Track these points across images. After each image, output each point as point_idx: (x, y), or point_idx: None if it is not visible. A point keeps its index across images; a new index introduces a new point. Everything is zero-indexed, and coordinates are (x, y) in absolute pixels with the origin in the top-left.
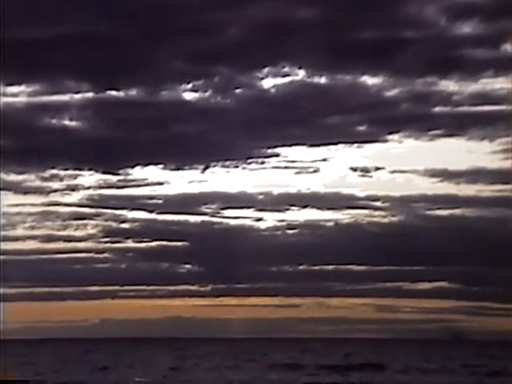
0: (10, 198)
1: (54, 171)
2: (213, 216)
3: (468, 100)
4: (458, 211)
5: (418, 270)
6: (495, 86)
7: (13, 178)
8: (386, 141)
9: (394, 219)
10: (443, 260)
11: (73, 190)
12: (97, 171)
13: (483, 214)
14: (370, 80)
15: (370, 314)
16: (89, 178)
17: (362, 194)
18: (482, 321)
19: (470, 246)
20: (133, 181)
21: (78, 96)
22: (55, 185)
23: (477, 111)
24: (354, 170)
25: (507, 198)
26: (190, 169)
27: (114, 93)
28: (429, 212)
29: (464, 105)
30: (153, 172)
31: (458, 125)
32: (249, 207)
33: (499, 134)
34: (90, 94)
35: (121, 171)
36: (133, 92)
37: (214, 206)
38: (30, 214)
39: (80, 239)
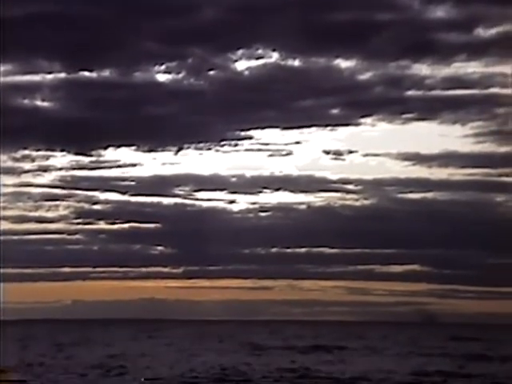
0: None
1: (26, 152)
2: (186, 198)
3: (441, 84)
4: (429, 194)
5: (390, 253)
6: (468, 70)
7: None
8: (359, 124)
9: (367, 202)
10: (415, 243)
11: (45, 170)
12: (69, 152)
13: (455, 197)
14: (343, 63)
15: (342, 296)
16: (61, 159)
17: (334, 177)
18: (453, 303)
19: (442, 229)
20: (105, 162)
21: (50, 76)
22: (27, 165)
23: (449, 95)
24: (327, 153)
25: (478, 181)
26: (163, 151)
27: (86, 73)
28: (401, 195)
29: (437, 88)
30: (125, 154)
31: (430, 108)
32: (222, 189)
33: (471, 118)
34: (62, 75)
35: (93, 152)
36: (105, 73)
37: (186, 188)
38: (2, 195)
39: (52, 220)
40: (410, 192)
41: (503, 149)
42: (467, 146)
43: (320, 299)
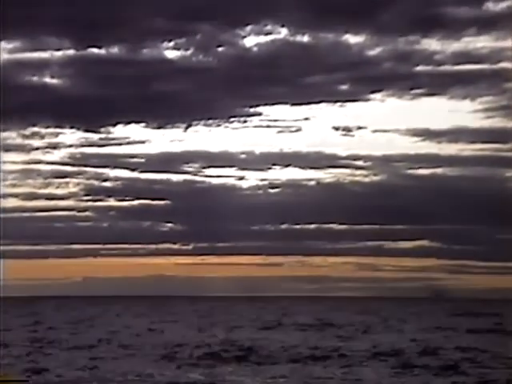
0: None
1: (35, 129)
2: (195, 175)
3: (450, 59)
4: (439, 170)
5: (399, 229)
6: (478, 44)
7: None
8: (368, 100)
9: (376, 178)
10: (424, 219)
11: (54, 147)
12: (78, 129)
13: (464, 173)
14: (352, 38)
15: (352, 272)
16: (70, 136)
17: (344, 154)
18: (463, 279)
19: (451, 204)
20: (114, 139)
21: (58, 53)
22: (36, 143)
23: (459, 70)
24: (336, 129)
25: (488, 156)
26: (172, 128)
27: (95, 50)
28: (410, 171)
29: (446, 64)
30: (135, 130)
31: (439, 84)
32: (231, 166)
33: (481, 93)
34: (71, 52)
35: (102, 129)
36: (114, 49)
37: (196, 165)
38: (11, 172)
39: (62, 197)
40: (420, 168)
41: None
42: (477, 121)
43: (329, 275)
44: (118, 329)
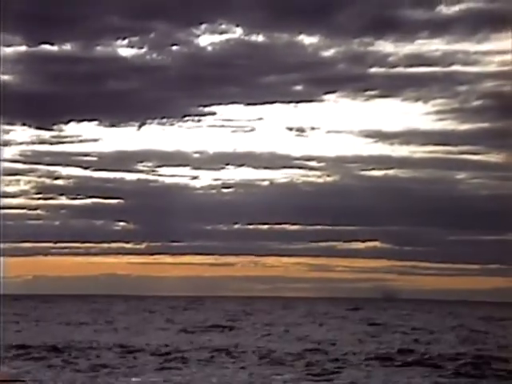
0: None
1: None
2: (148, 174)
3: (403, 61)
4: (391, 172)
5: (352, 230)
6: (430, 47)
7: None
8: (322, 101)
9: (329, 179)
10: (376, 220)
11: (5, 145)
12: (30, 126)
13: (416, 174)
14: (306, 39)
15: (304, 272)
16: (22, 133)
17: (297, 154)
18: (414, 280)
19: (403, 206)
20: (67, 137)
21: (10, 49)
22: None
23: (412, 72)
24: (290, 129)
25: (439, 158)
26: (126, 126)
27: (47, 47)
28: (363, 172)
29: (399, 66)
30: (87, 128)
31: (393, 86)
32: (184, 165)
33: (433, 96)
34: (22, 48)
35: (54, 127)
36: (67, 46)
37: (149, 164)
38: None
39: (13, 195)
40: (372, 169)
41: (464, 126)
42: (429, 124)
43: (282, 275)
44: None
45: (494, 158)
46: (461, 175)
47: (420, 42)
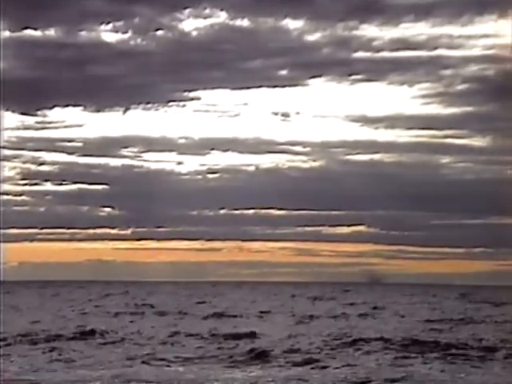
0: None
1: None
2: (133, 159)
3: (388, 45)
4: (376, 156)
5: (338, 215)
6: (415, 31)
7: None
8: (307, 85)
9: (315, 164)
10: (362, 204)
11: None
12: (14, 112)
13: (401, 159)
14: (291, 23)
15: (290, 257)
16: (6, 119)
17: (282, 139)
18: (399, 264)
19: (388, 190)
20: (51, 123)
21: None
22: None
23: (397, 57)
24: (275, 114)
25: (424, 143)
26: (110, 111)
27: (31, 32)
28: (348, 157)
29: (384, 50)
30: (72, 114)
31: (378, 70)
32: (170, 151)
33: (418, 80)
34: (6, 33)
35: (39, 113)
36: (51, 32)
37: (134, 150)
38: None
39: None
40: (358, 154)
41: (449, 110)
42: (414, 108)
43: (268, 260)
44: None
45: (478, 141)
46: (446, 159)
47: (405, 25)
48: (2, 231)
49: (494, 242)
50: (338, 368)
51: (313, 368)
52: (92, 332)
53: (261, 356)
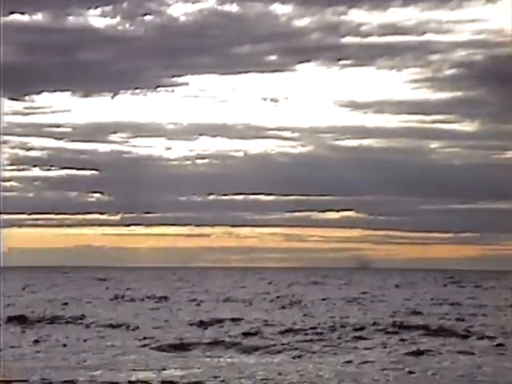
0: None
1: None
2: (122, 145)
3: (377, 30)
4: (365, 141)
5: (326, 200)
6: (404, 16)
7: None
8: (295, 70)
9: (303, 149)
10: (351, 190)
11: None
12: (2, 97)
13: (390, 144)
14: (280, 8)
15: (279, 243)
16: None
17: (271, 125)
18: (387, 249)
19: (377, 176)
20: (39, 108)
21: None
22: None
23: (385, 42)
24: (264, 99)
25: (413, 128)
26: (99, 96)
27: (18, 17)
28: (337, 142)
29: (373, 35)
30: (60, 99)
31: (367, 55)
32: (158, 136)
33: (407, 65)
34: None
35: (26, 98)
36: (38, 16)
37: (123, 135)
38: None
39: None
40: (347, 139)
41: (437, 95)
42: (402, 93)
43: (257, 246)
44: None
45: (467, 126)
46: (434, 144)
47: (393, 10)
48: None
49: (481, 226)
50: None
51: None
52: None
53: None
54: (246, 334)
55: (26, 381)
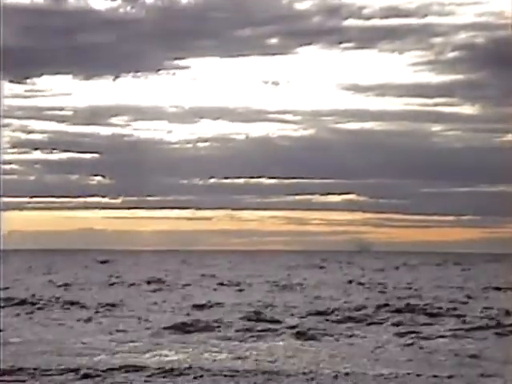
0: None
1: None
2: (124, 128)
3: (379, 13)
4: (367, 125)
5: (328, 183)
6: None
7: None
8: (297, 53)
9: (305, 133)
10: (352, 173)
11: None
12: (2, 80)
13: (392, 127)
14: None
15: (280, 226)
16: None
17: (273, 108)
18: (387, 232)
19: (379, 159)
20: (40, 91)
21: None
22: None
23: (387, 24)
24: (266, 82)
25: (415, 111)
26: (100, 79)
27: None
28: (339, 125)
29: (375, 17)
30: (61, 82)
31: (368, 38)
32: (160, 119)
33: (408, 48)
34: None
35: (28, 81)
36: None
37: (124, 118)
38: None
39: None
40: (348, 122)
41: (439, 78)
42: (405, 76)
43: (258, 229)
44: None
45: (468, 109)
46: (436, 127)
47: None
48: None
49: (482, 209)
50: None
51: None
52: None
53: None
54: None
55: (25, 381)
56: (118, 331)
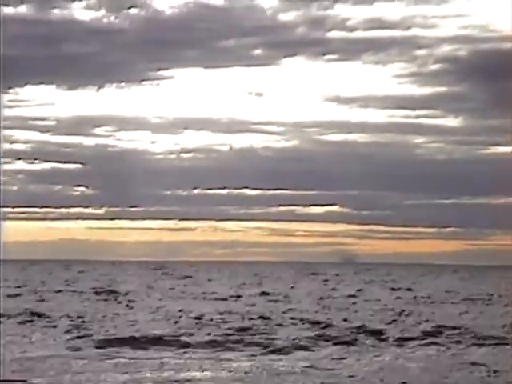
0: None
1: None
2: (107, 138)
3: (362, 25)
4: (350, 136)
5: (311, 195)
6: (389, 10)
7: None
8: (281, 65)
9: (288, 144)
10: (335, 184)
11: None
12: None
13: (374, 139)
14: (266, 2)
15: (263, 237)
16: None
17: (256, 119)
18: (370, 243)
19: (361, 170)
20: (23, 101)
21: None
22: None
23: (371, 36)
24: (249, 93)
25: (397, 123)
26: (84, 89)
27: (2, 8)
28: (322, 137)
29: (358, 29)
30: (44, 92)
31: (352, 50)
32: (143, 130)
33: (392, 60)
34: None
35: (11, 90)
36: (22, 8)
37: (108, 129)
38: None
39: None
40: (331, 133)
41: (422, 90)
42: (388, 88)
43: (241, 240)
44: None
45: (451, 122)
46: (418, 139)
47: (378, 4)
48: None
49: (465, 221)
50: None
51: None
52: None
53: None
54: None
55: (24, 381)
56: None
